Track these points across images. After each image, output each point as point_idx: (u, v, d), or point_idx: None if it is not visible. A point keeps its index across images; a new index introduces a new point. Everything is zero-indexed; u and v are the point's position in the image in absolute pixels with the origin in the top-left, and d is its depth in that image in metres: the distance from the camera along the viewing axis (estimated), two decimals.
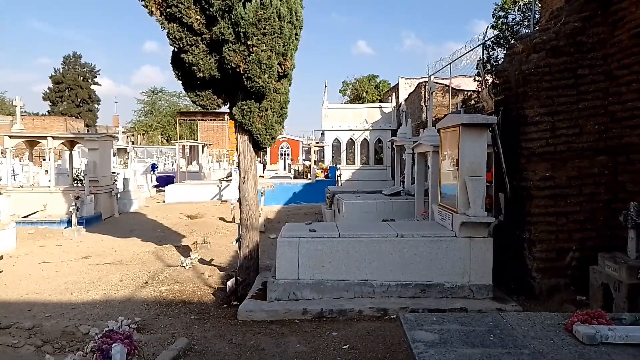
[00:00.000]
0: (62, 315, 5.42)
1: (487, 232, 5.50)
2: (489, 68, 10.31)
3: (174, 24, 5.75)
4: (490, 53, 11.71)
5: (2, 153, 18.58)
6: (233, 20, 5.45)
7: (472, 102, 11.59)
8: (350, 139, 18.02)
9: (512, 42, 6.23)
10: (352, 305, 5.23)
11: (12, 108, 30.11)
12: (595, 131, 5.37)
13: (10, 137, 12.80)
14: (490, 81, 9.36)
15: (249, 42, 5.47)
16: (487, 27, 11.56)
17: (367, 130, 17.63)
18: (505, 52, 11.05)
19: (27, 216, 11.93)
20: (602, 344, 2.68)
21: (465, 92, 14.28)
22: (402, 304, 5.24)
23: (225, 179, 19.73)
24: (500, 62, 10.15)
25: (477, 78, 12.55)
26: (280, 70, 5.91)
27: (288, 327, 4.92)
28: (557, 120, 5.35)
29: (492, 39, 11.58)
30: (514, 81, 5.65)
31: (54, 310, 5.59)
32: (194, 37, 5.77)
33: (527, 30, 9.77)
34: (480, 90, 10.50)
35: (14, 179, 15.60)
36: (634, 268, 4.46)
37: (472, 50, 11.83)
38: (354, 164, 17.97)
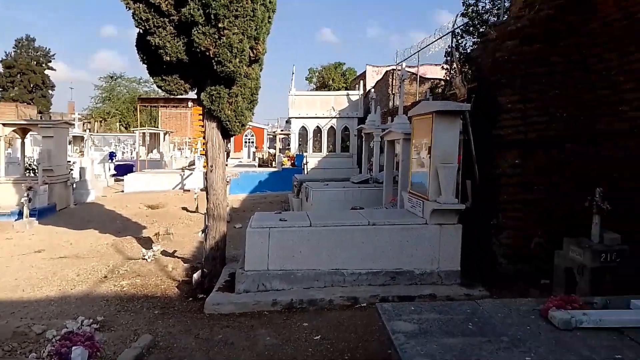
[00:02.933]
0: (12, 315, 5.05)
1: (456, 218, 5.51)
2: (457, 56, 10.36)
3: (140, 4, 5.43)
4: (460, 41, 11.79)
5: None
6: (204, 1, 5.17)
7: (439, 90, 11.66)
8: (317, 126, 17.87)
9: (486, 29, 6.21)
10: (323, 295, 5.13)
11: None
12: (565, 119, 5.42)
13: None
14: (460, 68, 9.39)
15: (219, 25, 5.22)
16: (457, 15, 11.64)
17: (334, 118, 17.53)
18: (474, 39, 11.17)
19: None
20: (577, 328, 2.67)
21: (433, 81, 14.37)
22: (373, 292, 5.20)
23: (187, 167, 19.22)
24: (469, 51, 10.22)
25: (444, 66, 12.62)
26: (251, 54, 5.69)
27: (257, 320, 4.77)
28: (529, 108, 5.38)
29: (462, 26, 11.65)
30: (487, 69, 5.63)
31: (4, 309, 5.21)
32: (161, 19, 5.46)
33: (494, 19, 9.87)
34: (449, 78, 10.56)
35: None
36: (597, 252, 4.56)
37: (441, 38, 11.87)
38: (321, 152, 17.86)
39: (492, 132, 5.54)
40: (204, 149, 6.63)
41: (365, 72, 22.51)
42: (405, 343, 2.50)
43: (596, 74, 5.12)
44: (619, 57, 4.80)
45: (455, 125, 5.47)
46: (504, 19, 7.38)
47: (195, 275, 6.01)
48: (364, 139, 12.04)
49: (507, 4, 8.74)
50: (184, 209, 12.47)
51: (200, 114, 6.49)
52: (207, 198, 6.27)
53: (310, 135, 18.02)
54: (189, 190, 15.05)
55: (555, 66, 5.36)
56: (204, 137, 6.26)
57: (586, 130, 5.30)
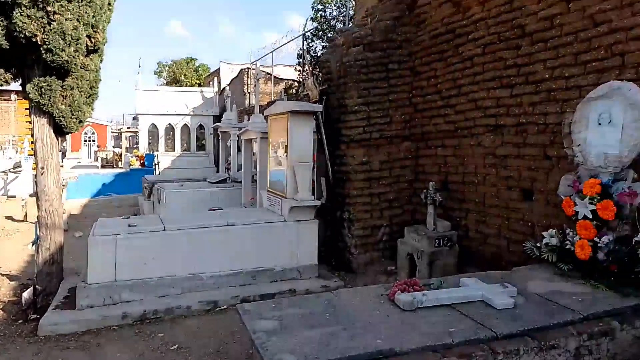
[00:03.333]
0: None
1: (313, 214, 5.73)
2: (309, 59, 10.78)
3: None
4: (310, 44, 12.28)
5: None
6: None
7: (294, 90, 12.00)
8: (169, 124, 16.93)
9: (334, 35, 6.56)
10: (180, 302, 4.88)
11: None
12: (402, 120, 6.02)
13: None
14: (312, 70, 9.77)
15: (49, 8, 4.57)
16: (307, 19, 12.09)
17: (188, 115, 16.81)
18: (324, 44, 11.74)
19: None
20: (419, 308, 2.96)
21: (287, 81, 14.72)
22: (233, 293, 5.12)
23: (12, 170, 16.55)
24: (319, 54, 10.73)
25: (297, 67, 13.03)
26: (89, 43, 5.10)
27: (105, 336, 4.32)
28: (372, 110, 5.84)
29: (312, 30, 12.14)
30: (336, 72, 5.95)
31: None
32: None
33: (341, 25, 10.52)
34: (302, 79, 10.92)
35: None
36: (432, 238, 5.16)
37: (292, 40, 12.22)
38: (174, 151, 16.98)
39: (342, 132, 5.89)
40: (32, 148, 5.75)
41: (219, 69, 22.02)
42: (266, 341, 2.50)
43: (426, 80, 5.80)
44: (444, 66, 5.50)
45: (310, 125, 5.69)
46: (349, 26, 7.89)
47: (26, 294, 5.21)
48: (220, 138, 11.79)
49: (351, 12, 9.41)
50: (9, 218, 10.73)
51: (27, 109, 5.63)
52: (37, 205, 5.46)
53: (162, 133, 16.99)
54: (14, 197, 13.03)
55: (392, 72, 5.93)
56: (32, 135, 5.43)
57: (418, 130, 5.97)
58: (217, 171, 12.83)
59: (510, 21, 4.59)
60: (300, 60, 12.30)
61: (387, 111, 5.95)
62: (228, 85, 17.94)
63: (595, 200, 3.37)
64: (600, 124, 3.55)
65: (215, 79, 19.18)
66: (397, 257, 5.70)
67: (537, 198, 4.38)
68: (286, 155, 5.68)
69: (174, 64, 32.92)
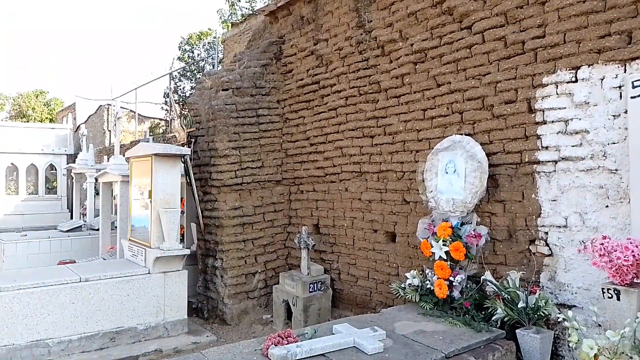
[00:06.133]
0: None
1: (181, 264, 5.40)
2: (177, 98, 10.45)
3: None
4: (177, 84, 11.94)
5: None
6: None
7: (160, 130, 11.45)
8: (12, 163, 14.79)
9: (201, 77, 6.45)
10: None
11: None
12: (274, 165, 6.09)
13: None
14: (179, 111, 9.46)
15: None
16: (174, 59, 11.79)
17: (36, 154, 14.90)
18: (192, 85, 11.51)
19: None
20: None
21: (152, 120, 14.00)
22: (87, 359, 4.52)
23: None
24: (187, 94, 10.47)
25: (164, 107, 12.53)
26: None
27: None
28: (243, 154, 5.80)
29: (179, 70, 11.83)
30: (205, 115, 5.83)
31: None
32: None
33: (211, 67, 10.45)
34: (169, 119, 10.49)
35: None
36: (306, 283, 5.20)
37: (159, 78, 11.74)
38: (18, 194, 14.80)
39: (213, 176, 5.73)
40: None
41: (75, 104, 20.14)
42: None
43: (295, 127, 5.98)
44: (312, 114, 5.74)
45: (177, 169, 5.44)
46: (218, 69, 7.87)
47: None
48: (74, 180, 10.65)
49: (220, 55, 9.44)
50: None
51: None
52: None
53: (2, 173, 14.75)
54: None
55: (262, 117, 6.01)
56: None
57: (292, 175, 6.09)
58: (71, 217, 11.50)
59: (367, 77, 5.01)
60: (167, 99, 11.88)
61: (259, 155, 5.96)
62: (85, 122, 16.46)
63: (448, 241, 3.73)
64: (447, 172, 3.98)
65: (70, 114, 17.45)
66: (273, 304, 5.61)
67: (400, 240, 4.71)
68: (150, 201, 5.31)
69: (20, 97, 29.29)
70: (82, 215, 10.18)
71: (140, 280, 5.10)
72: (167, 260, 5.22)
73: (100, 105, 16.43)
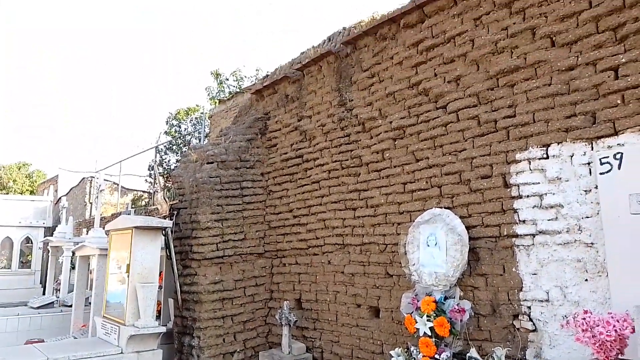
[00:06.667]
0: None
1: (157, 343, 5.13)
2: (161, 171, 10.53)
3: None
4: (163, 157, 12.08)
5: None
6: None
7: (143, 202, 11.39)
8: None
9: (187, 150, 6.56)
10: None
11: None
12: (256, 237, 6.04)
13: None
14: (163, 184, 9.49)
15: None
16: (161, 133, 12.03)
17: (12, 226, 14.53)
18: (178, 158, 11.67)
19: None
20: None
21: (136, 192, 13.95)
22: None
23: None
24: (172, 167, 10.58)
25: (148, 179, 12.57)
26: None
27: None
28: (225, 227, 5.77)
29: (165, 144, 12.03)
30: (189, 187, 5.86)
31: None
32: None
33: (198, 141, 10.68)
34: (152, 191, 10.49)
35: None
36: None
37: (144, 151, 11.89)
38: None
39: (194, 249, 5.64)
40: None
41: (57, 176, 20.06)
42: None
43: (279, 199, 6.03)
44: (295, 187, 5.82)
45: (157, 242, 5.34)
46: (204, 143, 8.03)
47: None
48: (50, 253, 10.33)
49: (207, 130, 9.70)
50: None
51: None
52: None
53: None
54: None
55: (246, 190, 6.06)
56: None
57: (272, 247, 6.03)
58: (44, 293, 11.01)
59: (349, 151, 5.16)
60: (152, 172, 11.96)
61: (241, 227, 5.93)
62: (66, 194, 16.30)
63: (432, 317, 3.65)
64: (429, 245, 4.00)
65: (52, 186, 17.32)
66: None
67: (384, 316, 4.59)
68: (128, 275, 5.15)
69: (3, 169, 29.12)
70: (55, 291, 9.75)
71: None
72: (141, 338, 4.96)
73: (83, 178, 16.38)
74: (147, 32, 71.23)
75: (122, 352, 4.90)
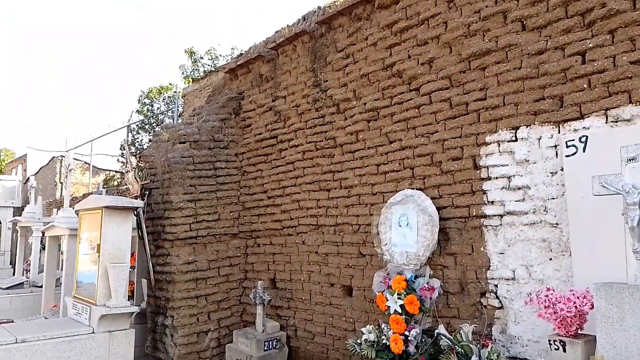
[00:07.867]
0: None
1: (129, 323, 5.12)
2: (133, 150, 10.30)
3: None
4: (135, 136, 11.81)
5: None
6: None
7: (115, 182, 11.16)
8: None
9: (159, 129, 6.43)
10: None
11: None
12: (231, 217, 6.01)
13: None
14: (135, 164, 9.32)
15: None
16: (133, 111, 11.73)
17: None
18: (150, 137, 11.43)
19: None
20: None
21: (108, 172, 13.64)
22: None
23: None
24: (144, 146, 10.36)
25: (120, 159, 12.29)
26: None
27: None
28: (199, 207, 5.72)
29: (137, 123, 11.75)
30: (160, 167, 5.76)
31: None
32: None
33: (170, 120, 10.46)
34: (125, 171, 10.29)
35: None
36: (261, 341, 5.02)
37: (116, 130, 11.61)
38: None
39: (166, 229, 5.58)
40: None
41: (26, 155, 19.45)
42: None
43: (253, 180, 6.00)
44: (269, 168, 5.79)
45: (128, 222, 5.27)
46: (177, 122, 7.89)
47: None
48: (19, 234, 10.10)
49: (180, 109, 9.50)
50: None
51: None
52: None
53: None
54: None
55: (220, 170, 6.01)
56: None
57: (247, 228, 6.02)
58: (14, 274, 10.79)
59: (324, 133, 5.15)
60: (123, 151, 11.69)
61: (215, 208, 5.89)
62: (35, 174, 15.85)
63: (403, 295, 3.74)
64: (400, 225, 4.06)
65: (20, 165, 16.79)
66: None
67: (356, 295, 4.67)
68: (98, 255, 5.09)
69: None
70: (25, 272, 9.57)
71: (82, 341, 4.78)
72: (113, 318, 4.94)
73: (53, 157, 15.93)
74: (122, 11, 68.78)
75: (93, 332, 4.87)
